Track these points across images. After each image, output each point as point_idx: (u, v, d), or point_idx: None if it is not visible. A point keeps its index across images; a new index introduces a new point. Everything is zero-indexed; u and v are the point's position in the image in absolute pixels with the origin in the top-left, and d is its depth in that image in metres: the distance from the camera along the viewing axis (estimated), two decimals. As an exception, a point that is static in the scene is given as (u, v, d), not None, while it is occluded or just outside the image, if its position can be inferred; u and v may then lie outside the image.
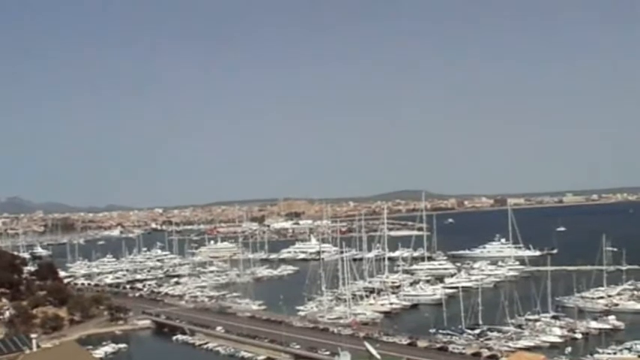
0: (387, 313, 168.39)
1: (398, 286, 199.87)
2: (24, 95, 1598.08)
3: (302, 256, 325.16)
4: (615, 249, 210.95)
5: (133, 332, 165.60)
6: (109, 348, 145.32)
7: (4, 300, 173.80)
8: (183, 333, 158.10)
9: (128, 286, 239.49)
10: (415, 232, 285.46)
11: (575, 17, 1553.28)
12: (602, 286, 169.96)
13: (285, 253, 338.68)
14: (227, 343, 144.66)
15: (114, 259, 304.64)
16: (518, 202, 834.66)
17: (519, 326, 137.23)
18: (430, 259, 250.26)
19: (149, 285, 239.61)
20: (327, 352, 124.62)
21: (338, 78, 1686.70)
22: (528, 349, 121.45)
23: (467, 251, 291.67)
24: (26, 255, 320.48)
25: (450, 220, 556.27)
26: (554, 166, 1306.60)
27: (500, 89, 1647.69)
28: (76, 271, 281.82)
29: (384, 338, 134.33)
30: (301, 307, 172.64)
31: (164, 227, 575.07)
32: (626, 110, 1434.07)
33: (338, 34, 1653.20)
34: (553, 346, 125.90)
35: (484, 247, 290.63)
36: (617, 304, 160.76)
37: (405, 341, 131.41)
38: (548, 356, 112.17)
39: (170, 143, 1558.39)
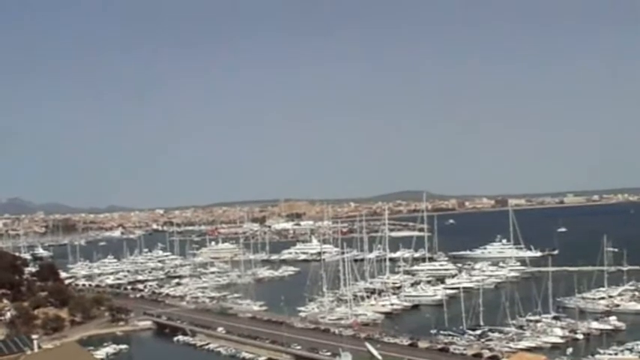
0: (388, 314, 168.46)
1: (399, 287, 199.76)
2: (25, 96, 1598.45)
3: (303, 256, 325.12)
4: (616, 249, 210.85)
5: (134, 333, 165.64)
6: (110, 349, 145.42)
7: (5, 301, 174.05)
8: (185, 334, 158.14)
9: (129, 287, 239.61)
10: (416, 233, 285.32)
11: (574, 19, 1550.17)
12: (603, 286, 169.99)
13: (286, 254, 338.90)
14: (228, 344, 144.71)
15: (115, 260, 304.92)
16: (519, 202, 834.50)
17: (520, 327, 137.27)
18: (431, 259, 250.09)
19: (150, 286, 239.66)
20: (329, 353, 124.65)
21: (339, 79, 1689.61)
22: (529, 349, 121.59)
23: (468, 252, 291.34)
24: (27, 256, 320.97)
25: (451, 220, 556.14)
26: (555, 166, 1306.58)
27: (502, 90, 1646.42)
28: (77, 272, 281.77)
29: (385, 339, 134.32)
30: (302, 308, 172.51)
31: (165, 228, 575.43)
32: (627, 111, 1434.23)
33: (339, 35, 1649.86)
34: (554, 346, 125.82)
35: (485, 248, 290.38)
36: (618, 305, 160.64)
37: (406, 342, 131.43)
38: (549, 357, 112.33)
39: (171, 144, 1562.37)
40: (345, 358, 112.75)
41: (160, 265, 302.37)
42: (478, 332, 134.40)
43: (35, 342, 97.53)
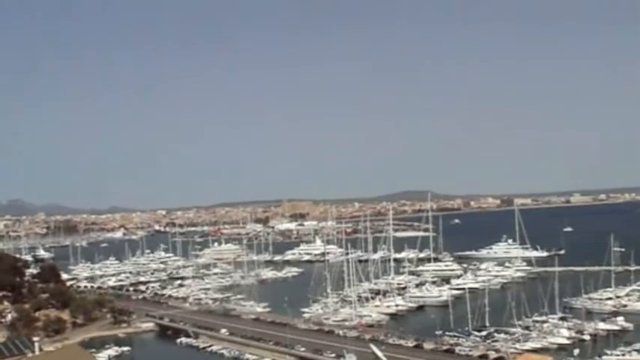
0: (392, 315, 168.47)
1: (404, 288, 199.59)
2: (25, 96, 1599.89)
3: (307, 257, 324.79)
4: (623, 249, 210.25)
5: (137, 335, 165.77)
6: (112, 351, 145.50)
7: (6, 303, 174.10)
8: (187, 335, 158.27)
9: (131, 289, 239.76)
10: (421, 233, 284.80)
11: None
12: (610, 287, 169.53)
13: (289, 255, 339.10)
14: (231, 346, 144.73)
15: (117, 262, 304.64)
16: (525, 202, 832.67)
17: (527, 328, 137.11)
18: (436, 260, 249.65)
19: (152, 287, 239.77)
20: (333, 355, 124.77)
21: (342, 78, 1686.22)
22: (536, 350, 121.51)
23: (473, 252, 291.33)
24: (28, 257, 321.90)
25: (457, 220, 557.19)
26: (561, 166, 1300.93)
27: (506, 89, 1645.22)
28: (79, 274, 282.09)
29: (390, 340, 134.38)
30: (306, 309, 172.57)
31: (167, 229, 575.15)
32: (633, 110, 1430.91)
33: (340, 35, 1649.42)
34: (561, 347, 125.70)
35: (491, 248, 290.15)
36: (625, 305, 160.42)
37: (411, 343, 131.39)
38: (555, 358, 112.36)
39: (173, 144, 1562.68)
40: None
41: (162, 266, 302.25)
42: (484, 333, 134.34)
43: (36, 344, 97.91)
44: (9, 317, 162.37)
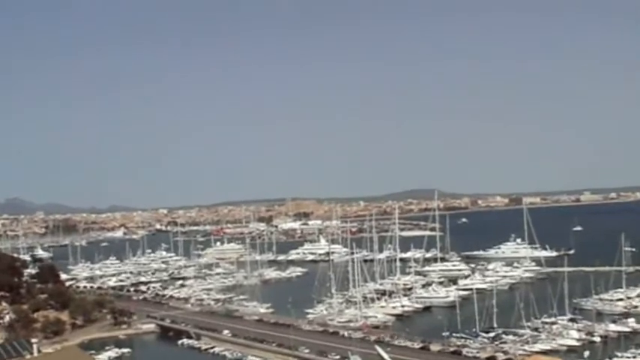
0: (398, 316, 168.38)
1: (410, 288, 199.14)
2: (24, 94, 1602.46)
3: (311, 257, 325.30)
4: (634, 249, 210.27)
5: (137, 336, 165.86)
6: (112, 353, 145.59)
7: (3, 304, 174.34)
8: (189, 337, 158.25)
9: (132, 289, 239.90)
10: (427, 233, 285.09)
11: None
12: (621, 287, 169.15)
13: (293, 255, 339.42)
14: (234, 348, 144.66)
15: (117, 261, 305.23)
16: (533, 200, 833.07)
17: (535, 329, 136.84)
18: (443, 260, 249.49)
19: (153, 288, 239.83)
20: (337, 357, 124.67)
21: (344, 76, 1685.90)
22: (545, 352, 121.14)
23: (481, 252, 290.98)
24: (27, 257, 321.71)
25: (464, 219, 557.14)
26: (571, 164, 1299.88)
27: (514, 86, 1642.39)
28: (78, 274, 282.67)
29: (396, 342, 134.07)
30: (310, 310, 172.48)
31: (169, 228, 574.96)
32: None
33: (346, 32, 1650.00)
34: (570, 349, 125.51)
35: (499, 248, 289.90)
36: (636, 307, 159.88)
37: (417, 345, 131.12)
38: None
39: (174, 142, 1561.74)
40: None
41: (163, 266, 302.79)
42: (492, 335, 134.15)
43: (35, 346, 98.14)
44: (7, 318, 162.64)
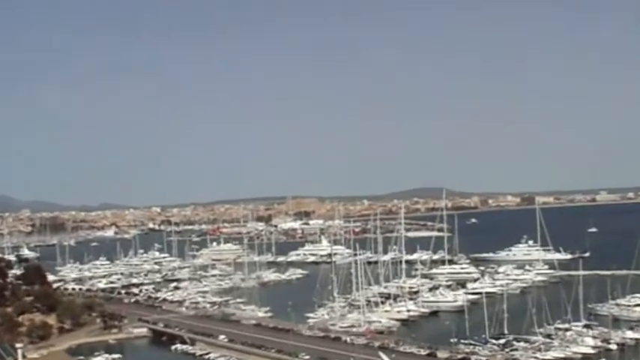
0: (404, 321, 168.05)
1: (416, 292, 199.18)
2: (9, 87, 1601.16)
3: (312, 258, 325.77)
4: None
5: (128, 341, 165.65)
6: (101, 358, 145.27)
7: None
8: (183, 342, 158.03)
9: (123, 292, 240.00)
10: (435, 233, 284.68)
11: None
12: (638, 292, 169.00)
13: (293, 256, 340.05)
14: (230, 353, 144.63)
15: (107, 262, 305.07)
16: (547, 200, 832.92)
17: (548, 336, 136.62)
18: (451, 262, 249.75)
19: (146, 290, 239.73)
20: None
21: (346, 72, 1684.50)
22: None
23: (491, 254, 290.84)
24: (12, 257, 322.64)
25: (473, 220, 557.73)
26: (586, 162, 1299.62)
27: (528, 83, 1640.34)
28: (66, 275, 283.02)
29: (401, 348, 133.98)
30: (311, 315, 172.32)
31: (162, 227, 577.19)
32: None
33: (347, 32, 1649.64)
34: (585, 357, 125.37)
35: (510, 250, 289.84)
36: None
37: (423, 352, 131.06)
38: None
39: (169, 138, 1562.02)
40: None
41: (156, 267, 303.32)
42: (502, 341, 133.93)
43: (20, 351, 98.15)
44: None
